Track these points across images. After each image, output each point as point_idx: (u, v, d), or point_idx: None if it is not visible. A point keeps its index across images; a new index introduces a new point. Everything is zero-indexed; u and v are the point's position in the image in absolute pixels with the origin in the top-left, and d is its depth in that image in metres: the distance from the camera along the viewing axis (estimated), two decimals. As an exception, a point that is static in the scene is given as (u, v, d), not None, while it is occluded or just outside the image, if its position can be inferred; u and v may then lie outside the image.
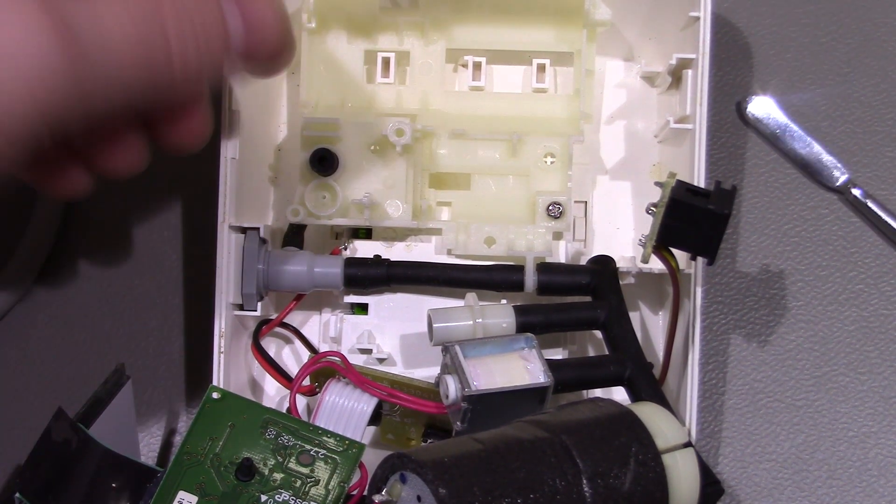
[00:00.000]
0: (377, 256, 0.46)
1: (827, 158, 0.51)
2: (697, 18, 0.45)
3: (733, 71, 0.52)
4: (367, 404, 0.41)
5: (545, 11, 0.46)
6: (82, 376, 0.50)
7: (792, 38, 0.52)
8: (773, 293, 0.51)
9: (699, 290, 0.44)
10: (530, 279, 0.44)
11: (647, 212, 0.41)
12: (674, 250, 0.42)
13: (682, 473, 0.37)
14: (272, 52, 0.36)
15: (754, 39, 0.52)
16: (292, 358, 0.49)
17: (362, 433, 0.41)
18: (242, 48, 0.35)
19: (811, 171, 0.51)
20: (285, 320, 0.47)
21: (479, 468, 0.34)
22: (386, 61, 0.47)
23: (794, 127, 0.51)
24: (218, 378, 0.44)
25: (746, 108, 0.51)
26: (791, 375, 0.50)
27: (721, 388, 0.50)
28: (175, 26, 0.33)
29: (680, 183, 0.40)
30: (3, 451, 0.49)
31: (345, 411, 0.41)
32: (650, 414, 0.38)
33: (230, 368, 0.45)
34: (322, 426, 0.40)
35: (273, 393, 0.48)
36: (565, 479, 0.35)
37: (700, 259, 0.43)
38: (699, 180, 0.44)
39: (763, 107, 0.51)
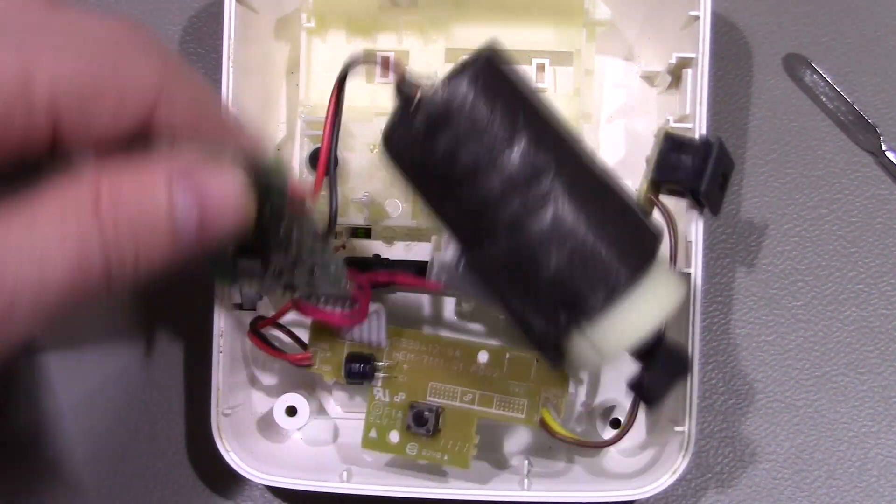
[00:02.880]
0: (376, 256, 0.46)
1: (864, 121, 0.51)
2: (697, 18, 0.45)
3: (733, 70, 0.52)
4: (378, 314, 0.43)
5: (545, 11, 0.46)
6: (81, 375, 0.50)
7: (792, 37, 0.52)
8: (773, 293, 0.51)
9: (699, 290, 0.44)
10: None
11: (646, 164, 0.41)
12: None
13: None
14: (226, 231, 0.32)
15: (754, 39, 0.52)
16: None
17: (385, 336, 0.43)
18: (194, 234, 0.31)
19: (849, 131, 0.51)
20: (282, 321, 0.47)
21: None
22: (385, 61, 0.47)
23: (836, 89, 0.51)
24: (217, 378, 0.44)
25: (795, 65, 0.51)
26: (791, 375, 0.50)
27: (721, 388, 0.50)
28: (114, 245, 0.30)
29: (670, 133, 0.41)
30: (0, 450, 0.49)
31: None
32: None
33: (229, 368, 0.45)
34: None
35: (272, 392, 0.49)
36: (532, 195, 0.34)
37: (700, 234, 0.43)
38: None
39: (808, 67, 0.51)
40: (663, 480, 0.44)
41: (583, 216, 0.33)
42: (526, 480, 0.45)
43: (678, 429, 0.44)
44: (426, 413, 0.43)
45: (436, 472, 0.46)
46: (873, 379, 0.50)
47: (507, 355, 0.43)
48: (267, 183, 0.34)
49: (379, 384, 0.44)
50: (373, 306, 0.42)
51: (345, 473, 0.45)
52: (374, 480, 0.45)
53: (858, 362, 0.50)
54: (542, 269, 0.33)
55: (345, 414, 0.49)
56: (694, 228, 0.44)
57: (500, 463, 0.47)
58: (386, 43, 0.47)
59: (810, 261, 0.51)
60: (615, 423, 0.47)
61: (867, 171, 0.52)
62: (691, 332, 0.44)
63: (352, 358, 0.43)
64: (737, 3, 0.53)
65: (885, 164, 0.51)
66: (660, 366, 0.37)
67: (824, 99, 0.52)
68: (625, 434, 0.43)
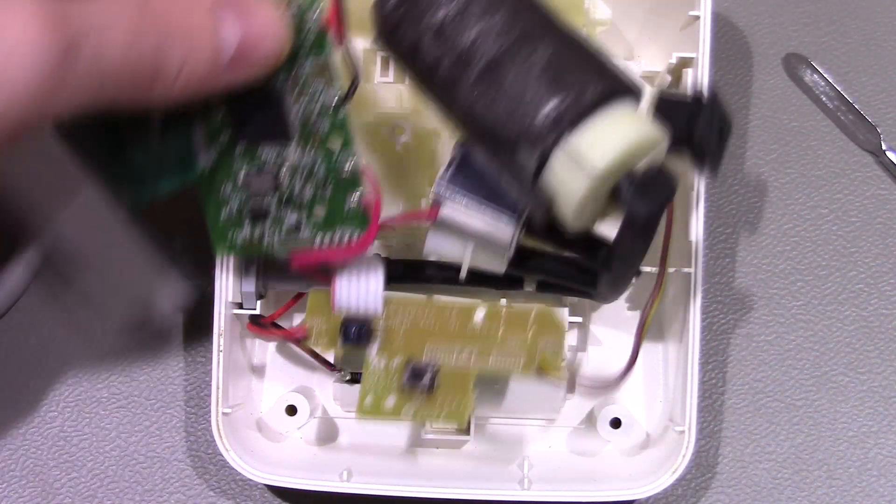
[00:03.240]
0: (376, 255, 0.46)
1: (864, 121, 0.51)
2: (697, 17, 0.45)
3: (733, 70, 0.52)
4: (375, 274, 0.42)
5: (545, 10, 0.46)
6: (81, 375, 0.50)
7: (792, 37, 0.52)
8: (773, 293, 0.51)
9: (699, 290, 0.44)
10: (530, 282, 0.44)
11: None
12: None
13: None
14: (263, 67, 0.35)
15: (754, 39, 0.52)
16: (284, 356, 0.49)
17: (381, 301, 0.42)
18: (231, 62, 0.34)
19: (849, 131, 0.51)
20: (280, 320, 0.47)
21: None
22: (385, 60, 0.47)
23: (836, 89, 0.51)
24: (217, 377, 0.44)
25: (795, 65, 0.51)
26: (791, 375, 0.50)
27: (721, 388, 0.50)
28: (165, 43, 0.31)
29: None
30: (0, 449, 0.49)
31: (360, 286, 0.42)
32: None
33: (229, 367, 0.45)
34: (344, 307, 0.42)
35: (272, 391, 0.49)
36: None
37: (701, 233, 0.43)
38: (698, 182, 0.44)
39: (809, 67, 0.51)
40: (663, 480, 0.44)
41: (565, 49, 0.35)
42: (526, 480, 0.45)
43: (678, 428, 0.44)
44: (424, 367, 0.42)
45: (436, 471, 0.46)
46: (873, 379, 0.50)
47: (504, 310, 0.43)
48: (301, 20, 0.36)
49: (374, 351, 0.43)
50: (370, 258, 0.42)
51: (344, 473, 0.45)
52: (373, 480, 0.45)
53: (858, 362, 0.50)
54: (523, 83, 0.35)
55: (345, 413, 0.49)
56: (694, 228, 0.44)
57: (500, 463, 0.47)
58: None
59: (810, 261, 0.51)
60: (615, 423, 0.47)
61: (867, 171, 0.52)
62: (692, 332, 0.44)
63: (348, 322, 0.43)
64: (737, 2, 0.53)
65: (885, 164, 0.51)
66: (705, 122, 0.36)
67: (824, 99, 0.52)
68: (630, 369, 0.42)
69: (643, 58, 0.50)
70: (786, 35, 0.53)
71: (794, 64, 0.52)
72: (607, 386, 0.44)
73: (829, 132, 0.52)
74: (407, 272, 0.45)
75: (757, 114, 0.52)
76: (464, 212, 0.39)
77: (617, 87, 0.35)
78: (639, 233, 0.36)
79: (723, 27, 0.52)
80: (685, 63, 0.46)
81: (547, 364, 0.41)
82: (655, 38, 0.49)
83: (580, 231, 0.37)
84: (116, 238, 0.44)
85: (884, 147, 0.51)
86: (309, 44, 0.37)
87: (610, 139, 0.34)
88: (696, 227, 0.44)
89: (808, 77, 0.52)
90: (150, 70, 0.31)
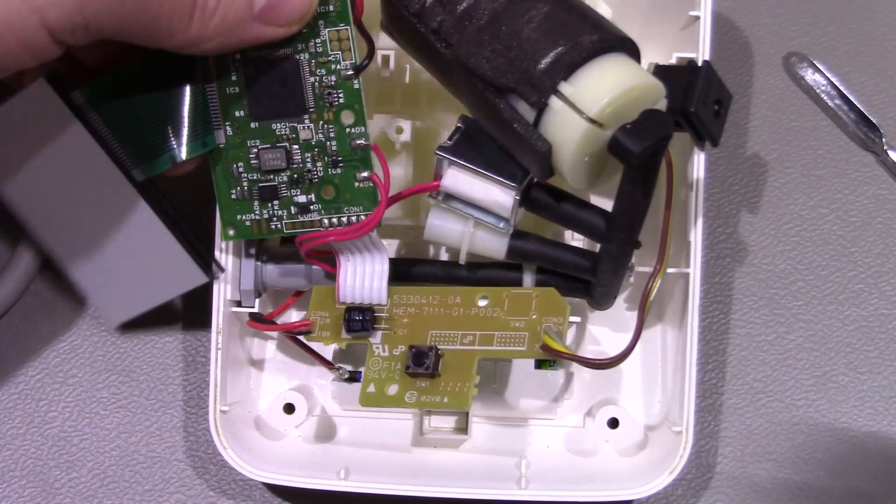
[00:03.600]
0: (381, 241, 0.46)
1: (866, 120, 0.51)
2: (697, 18, 0.45)
3: (733, 70, 0.52)
4: (381, 262, 0.42)
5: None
6: (81, 375, 0.50)
7: (792, 37, 0.52)
8: (773, 293, 0.51)
9: (697, 291, 0.44)
10: (529, 276, 0.44)
11: None
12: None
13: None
14: (290, 24, 0.37)
15: (754, 39, 0.52)
16: (282, 354, 0.49)
17: (385, 290, 0.43)
18: (261, 13, 0.36)
19: (850, 130, 0.51)
20: (278, 319, 0.47)
21: None
22: (385, 59, 0.47)
23: (838, 87, 0.51)
24: (215, 375, 0.44)
25: (795, 64, 0.52)
26: (791, 375, 0.50)
27: (721, 388, 0.50)
28: None
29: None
30: (0, 449, 0.50)
31: (365, 274, 0.43)
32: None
33: (227, 365, 0.45)
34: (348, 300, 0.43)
35: (270, 389, 0.49)
36: None
37: (699, 234, 0.43)
38: (698, 181, 0.44)
39: (810, 65, 0.51)
40: (661, 480, 0.44)
41: (563, 6, 0.37)
42: (523, 479, 0.45)
43: (676, 429, 0.44)
44: (426, 351, 0.41)
45: (434, 470, 0.46)
46: (873, 379, 0.50)
47: (507, 296, 0.43)
48: None
49: (378, 339, 0.43)
50: (374, 244, 0.42)
51: (342, 471, 0.45)
52: (371, 479, 0.45)
53: (858, 362, 0.50)
54: (522, 35, 0.36)
55: (342, 412, 0.49)
56: (693, 229, 0.44)
57: (497, 462, 0.47)
58: (386, 41, 0.47)
59: (810, 261, 0.51)
60: (613, 423, 0.47)
61: (867, 171, 0.51)
62: (689, 332, 0.44)
63: (352, 310, 0.43)
64: (737, 2, 0.53)
65: (886, 163, 0.51)
66: (701, 91, 0.38)
67: (825, 98, 0.52)
68: (632, 349, 0.41)
69: (643, 58, 0.50)
70: (786, 35, 0.53)
71: (794, 63, 0.52)
72: (610, 362, 0.43)
73: (830, 132, 0.52)
74: (407, 270, 0.45)
75: (757, 114, 0.52)
76: (464, 179, 0.40)
77: (612, 40, 0.36)
78: (636, 177, 0.37)
79: (723, 27, 0.52)
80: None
81: (551, 342, 0.41)
82: (655, 38, 0.49)
83: (580, 188, 0.38)
84: (116, 235, 0.44)
85: (885, 146, 0.51)
86: (331, 12, 0.38)
87: (603, 85, 0.35)
88: (695, 228, 0.44)
89: (809, 76, 0.52)
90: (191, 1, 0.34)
